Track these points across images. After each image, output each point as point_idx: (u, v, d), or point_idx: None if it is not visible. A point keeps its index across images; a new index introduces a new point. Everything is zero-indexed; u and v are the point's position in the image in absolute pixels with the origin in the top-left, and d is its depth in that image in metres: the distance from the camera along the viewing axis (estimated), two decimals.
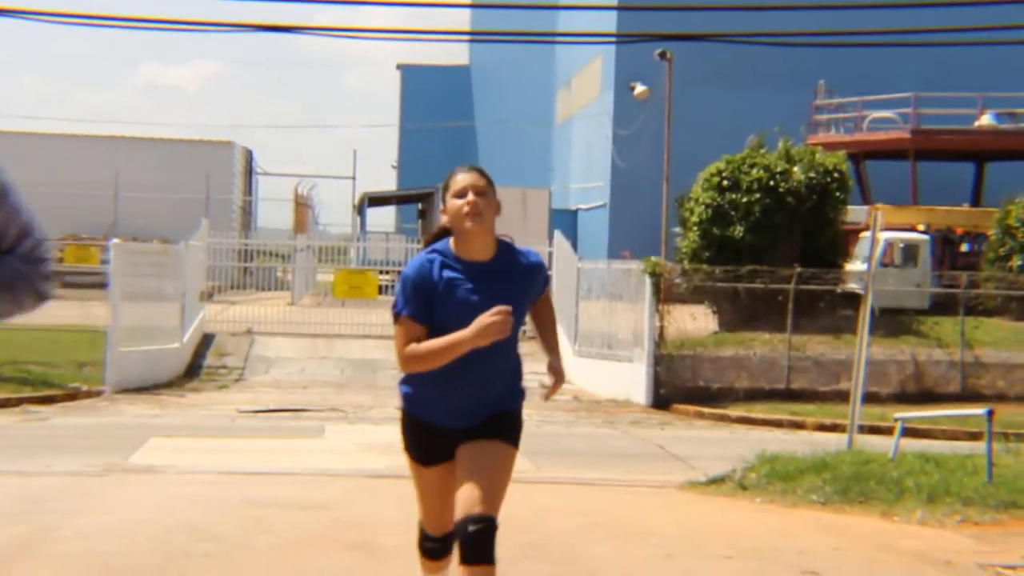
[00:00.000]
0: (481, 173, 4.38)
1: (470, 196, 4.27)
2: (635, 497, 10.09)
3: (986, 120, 31.99)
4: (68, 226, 35.74)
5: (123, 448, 12.37)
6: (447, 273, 4.30)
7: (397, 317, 4.30)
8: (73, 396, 18.55)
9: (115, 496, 9.32)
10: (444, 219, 4.35)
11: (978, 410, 11.20)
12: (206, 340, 24.17)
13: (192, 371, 22.12)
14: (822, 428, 17.25)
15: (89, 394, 18.79)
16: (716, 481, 10.50)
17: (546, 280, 4.56)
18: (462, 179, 4.32)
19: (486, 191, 4.31)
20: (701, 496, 10.09)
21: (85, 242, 35.23)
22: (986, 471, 9.78)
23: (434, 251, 4.35)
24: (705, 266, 22.15)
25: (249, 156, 45.27)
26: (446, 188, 4.35)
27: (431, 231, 4.43)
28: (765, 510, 9.34)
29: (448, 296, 4.29)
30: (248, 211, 44.62)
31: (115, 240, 21.98)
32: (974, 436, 14.68)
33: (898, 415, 12.43)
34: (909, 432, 14.20)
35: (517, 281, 4.36)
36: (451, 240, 4.35)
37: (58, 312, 19.47)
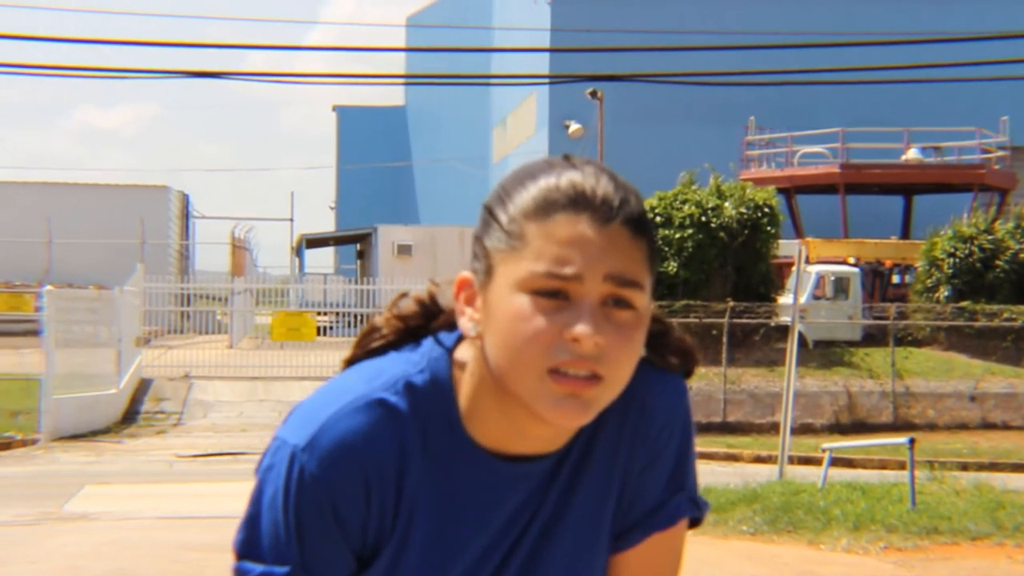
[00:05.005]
0: (634, 219, 1.47)
1: (583, 328, 1.41)
2: None
3: (912, 154, 32.65)
4: (0, 273, 35.38)
5: (58, 496, 12.31)
6: (426, 482, 1.56)
7: None
8: (7, 445, 18.35)
9: (47, 545, 9.29)
10: (465, 324, 1.52)
11: (901, 439, 11.47)
12: (143, 385, 24.01)
13: (129, 417, 21.96)
14: (758, 460, 17.47)
15: (23, 443, 18.61)
16: None
17: (683, 470, 1.65)
18: (572, 231, 1.46)
19: (637, 280, 1.46)
20: None
21: (18, 289, 34.84)
22: (909, 498, 10.03)
23: (393, 404, 1.57)
24: None
25: (185, 200, 45.10)
26: (491, 232, 1.60)
27: (378, 329, 1.67)
28: (696, 541, 9.49)
29: (415, 549, 1.56)
30: (185, 255, 44.39)
31: (48, 287, 21.83)
32: (903, 465, 14.96)
33: (826, 445, 12.68)
34: (842, 462, 14.48)
35: (606, 495, 1.61)
36: (453, 366, 1.56)
37: None
